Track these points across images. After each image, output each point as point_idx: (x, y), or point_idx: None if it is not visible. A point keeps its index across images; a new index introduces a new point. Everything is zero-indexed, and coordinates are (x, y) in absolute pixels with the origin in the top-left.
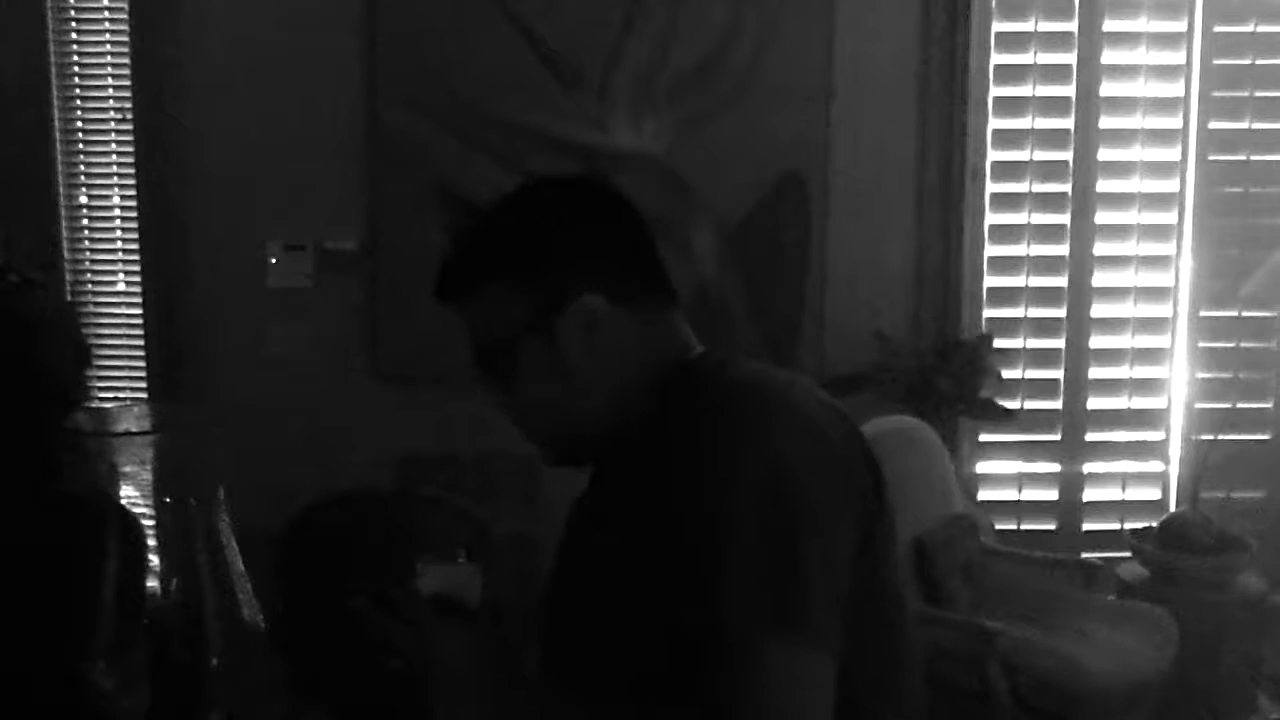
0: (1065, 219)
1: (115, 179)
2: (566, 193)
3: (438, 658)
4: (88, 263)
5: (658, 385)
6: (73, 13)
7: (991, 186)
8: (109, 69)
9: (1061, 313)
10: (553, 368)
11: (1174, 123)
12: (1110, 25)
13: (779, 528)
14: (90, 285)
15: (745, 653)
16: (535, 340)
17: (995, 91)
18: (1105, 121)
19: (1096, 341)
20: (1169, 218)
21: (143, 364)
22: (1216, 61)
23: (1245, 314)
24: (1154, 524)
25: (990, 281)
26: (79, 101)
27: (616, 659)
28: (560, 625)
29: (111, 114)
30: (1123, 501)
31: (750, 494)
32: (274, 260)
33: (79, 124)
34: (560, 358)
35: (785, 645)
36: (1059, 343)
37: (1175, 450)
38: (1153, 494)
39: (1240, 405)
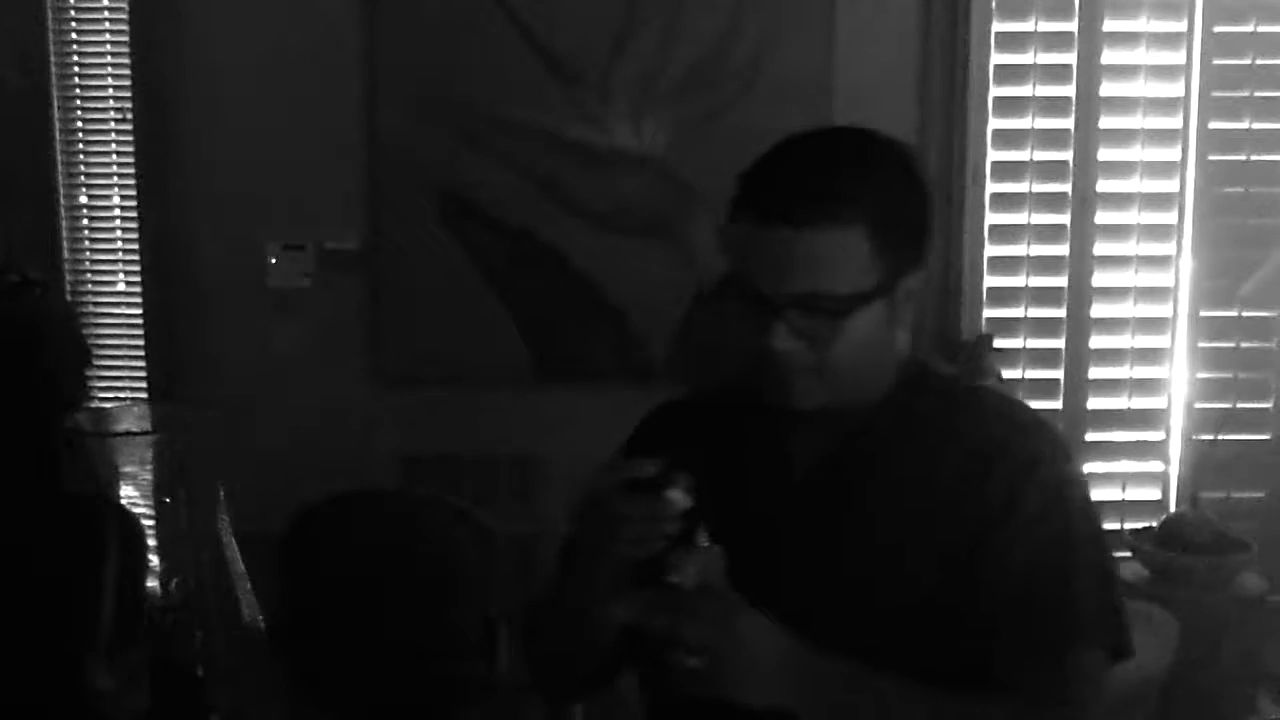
0: (1065, 219)
1: (115, 179)
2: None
3: (747, 647)
4: (88, 263)
5: (900, 371)
6: (73, 13)
7: (991, 186)
8: (109, 69)
9: (1061, 313)
10: (872, 332)
11: (1174, 123)
12: (1110, 25)
13: (1103, 555)
14: (90, 285)
15: (1080, 664)
16: (876, 301)
17: (995, 91)
18: (1105, 121)
19: (1096, 341)
20: (1169, 218)
21: (143, 364)
22: (1216, 61)
23: (1245, 314)
24: (1154, 524)
25: (990, 281)
26: (79, 101)
27: (896, 644)
28: (820, 599)
29: (111, 114)
30: (1123, 501)
31: (1079, 523)
32: (274, 260)
33: (79, 124)
34: (884, 324)
35: (1107, 661)
36: (1059, 343)
37: (1175, 450)
38: (1153, 494)
39: (1240, 405)
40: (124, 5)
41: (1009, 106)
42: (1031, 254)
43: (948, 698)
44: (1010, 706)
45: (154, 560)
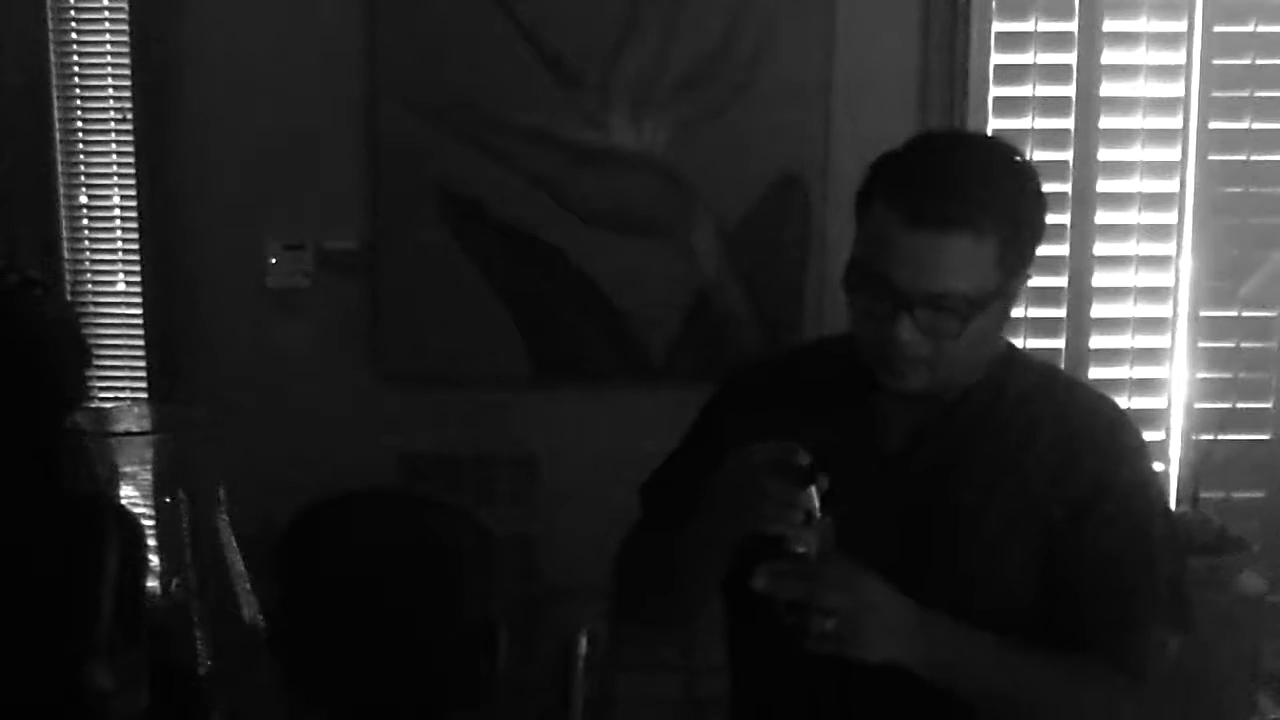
0: (1065, 219)
1: (115, 179)
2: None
3: (873, 610)
4: (88, 263)
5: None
6: (73, 13)
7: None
8: (109, 69)
9: (1061, 313)
10: (985, 328)
11: (1174, 123)
12: (1110, 25)
13: (1176, 543)
14: (90, 285)
15: (1153, 641)
16: (993, 302)
17: (995, 91)
18: (1105, 121)
19: (1096, 341)
20: (1169, 218)
21: (143, 364)
22: (1216, 61)
23: (1245, 314)
24: None
25: None
26: (79, 101)
27: (989, 602)
28: (909, 566)
29: (111, 114)
30: None
31: (1158, 512)
32: (274, 260)
33: (79, 124)
34: (995, 321)
35: (1176, 637)
36: (1059, 343)
37: (1175, 450)
38: None
39: (1240, 405)
40: (124, 5)
41: (1009, 106)
42: None
43: (1045, 657)
44: (1098, 671)
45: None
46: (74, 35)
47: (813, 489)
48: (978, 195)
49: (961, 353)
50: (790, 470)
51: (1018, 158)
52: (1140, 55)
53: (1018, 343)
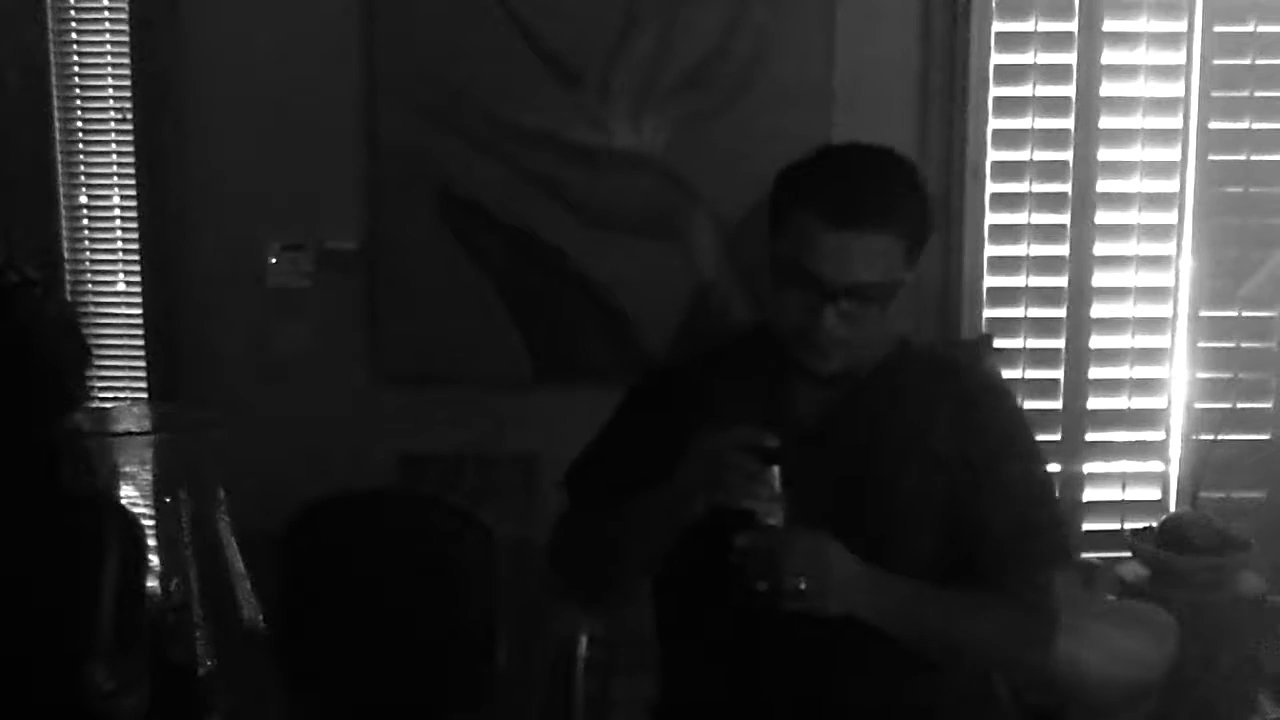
0: (1065, 219)
1: (115, 179)
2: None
3: (835, 569)
4: (88, 263)
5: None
6: (73, 13)
7: (991, 186)
8: (109, 69)
9: (1061, 313)
10: (887, 307)
11: (1174, 123)
12: (1110, 25)
13: (1053, 488)
14: (90, 285)
15: (1056, 573)
16: (899, 284)
17: (995, 91)
18: (1105, 121)
19: (1096, 341)
20: (1169, 218)
21: (143, 364)
22: (1216, 61)
23: (1245, 314)
24: (1154, 524)
25: (990, 281)
26: (79, 101)
27: (911, 554)
28: (854, 520)
29: (111, 114)
30: (1123, 501)
31: (1043, 462)
32: (274, 260)
33: (79, 124)
34: (893, 301)
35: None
36: (1059, 343)
37: (1175, 450)
38: (1153, 494)
39: (1240, 405)
40: (124, 5)
41: (1009, 106)
42: (1031, 254)
43: (971, 597)
44: (1015, 604)
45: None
46: (74, 35)
47: (776, 468)
48: (887, 200)
49: (874, 335)
50: (758, 451)
51: (910, 164)
52: (1140, 55)
53: (1018, 343)
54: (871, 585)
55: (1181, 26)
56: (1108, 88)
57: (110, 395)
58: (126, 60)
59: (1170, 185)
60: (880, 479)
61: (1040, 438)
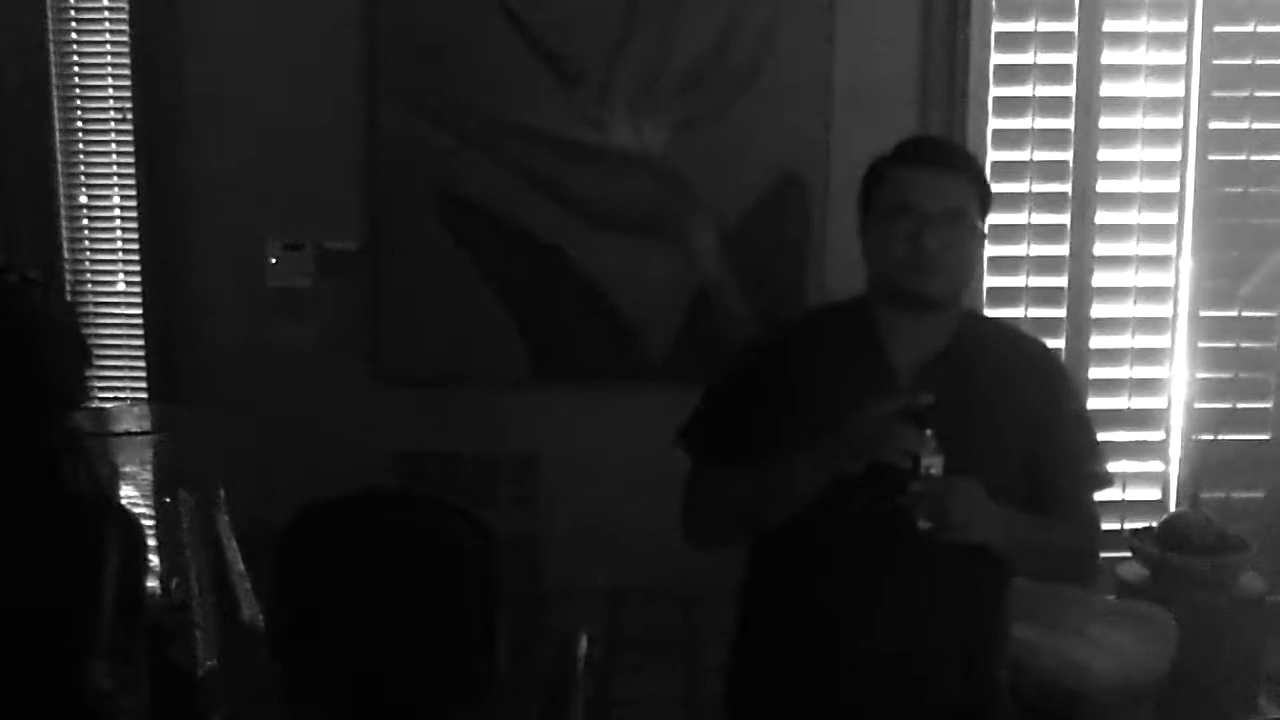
0: (1065, 219)
1: (115, 179)
2: None
3: (979, 507)
4: (88, 263)
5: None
6: (73, 13)
7: (991, 186)
8: (109, 69)
9: (1061, 313)
10: (972, 248)
11: (1174, 123)
12: (1110, 25)
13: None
14: (90, 285)
15: (1095, 489)
16: (976, 226)
17: (995, 91)
18: (1105, 121)
19: (1096, 341)
20: (1169, 218)
21: (143, 364)
22: (1216, 61)
23: (1245, 314)
24: (1154, 524)
25: (990, 281)
26: (79, 101)
27: (1000, 489)
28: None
29: (111, 114)
30: (1123, 501)
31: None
32: (274, 260)
33: (79, 124)
34: (975, 245)
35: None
36: (1059, 342)
37: (1175, 450)
38: (1153, 494)
39: (1240, 405)
40: (124, 5)
41: (1009, 106)
42: (1031, 254)
43: (1049, 520)
44: (1075, 523)
45: (154, 560)
46: (74, 35)
47: (931, 432)
48: (960, 152)
49: (963, 260)
50: (916, 411)
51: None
52: (1140, 55)
53: None
54: (1000, 519)
55: (1181, 26)
56: (1108, 88)
57: (110, 395)
58: (126, 60)
59: (1170, 185)
60: (974, 431)
61: None
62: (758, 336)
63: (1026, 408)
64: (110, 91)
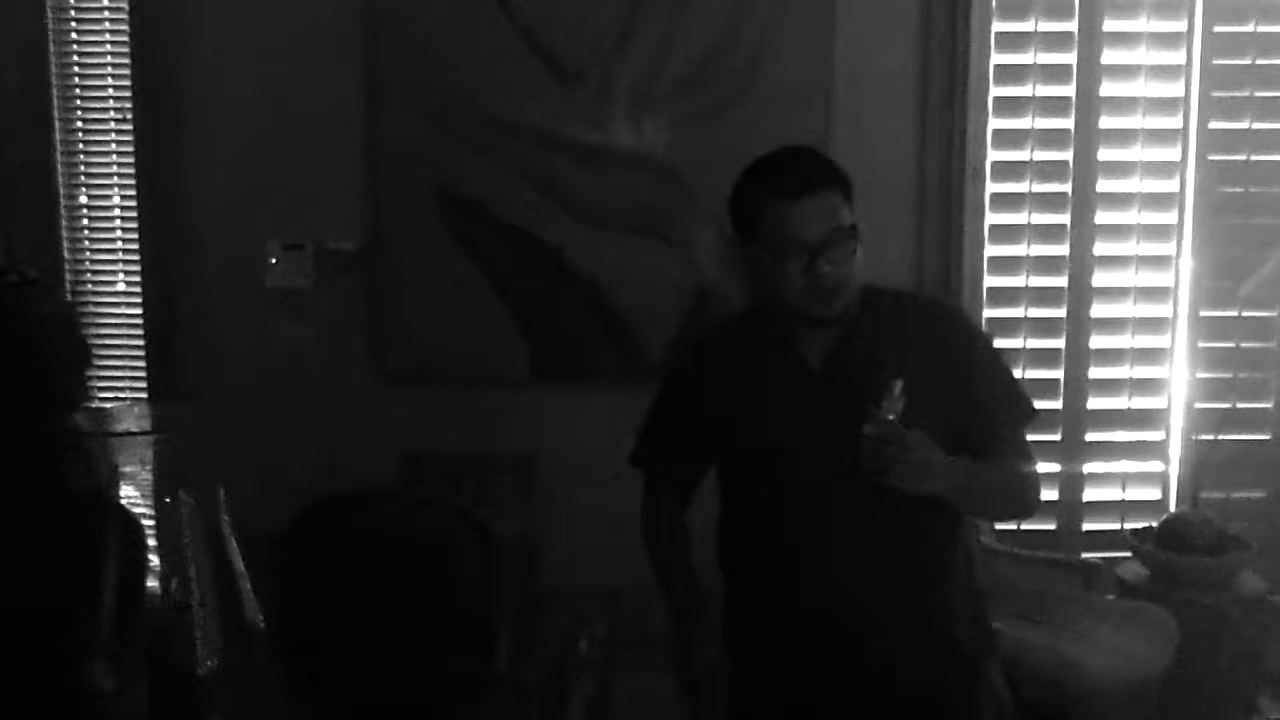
0: (1065, 219)
1: (115, 179)
2: None
3: (932, 453)
4: (88, 263)
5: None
6: (73, 13)
7: (991, 186)
8: (109, 69)
9: (1061, 313)
10: (857, 259)
11: (1174, 123)
12: (1110, 25)
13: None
14: (90, 285)
15: (1023, 428)
16: (856, 228)
17: (995, 91)
18: (1105, 121)
19: (1096, 341)
20: (1169, 218)
21: (143, 364)
22: (1216, 61)
23: (1245, 314)
24: (1154, 524)
25: (990, 281)
26: (79, 101)
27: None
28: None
29: (111, 114)
30: (1123, 501)
31: (994, 343)
32: (274, 260)
33: (79, 124)
34: (858, 244)
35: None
36: (1059, 343)
37: (1175, 450)
38: (1153, 494)
39: (1240, 405)
40: (124, 5)
41: (1009, 106)
42: (1031, 254)
43: (988, 462)
44: (1011, 460)
45: (154, 560)
46: (74, 35)
47: (900, 381)
48: (819, 167)
49: (854, 274)
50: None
51: (810, 146)
52: (1140, 55)
53: (1018, 343)
54: (949, 468)
55: (1181, 26)
56: (1108, 88)
57: (110, 395)
58: (126, 60)
59: (1170, 185)
60: (880, 397)
61: (1040, 438)
62: (679, 358)
63: (938, 362)
64: (110, 91)
